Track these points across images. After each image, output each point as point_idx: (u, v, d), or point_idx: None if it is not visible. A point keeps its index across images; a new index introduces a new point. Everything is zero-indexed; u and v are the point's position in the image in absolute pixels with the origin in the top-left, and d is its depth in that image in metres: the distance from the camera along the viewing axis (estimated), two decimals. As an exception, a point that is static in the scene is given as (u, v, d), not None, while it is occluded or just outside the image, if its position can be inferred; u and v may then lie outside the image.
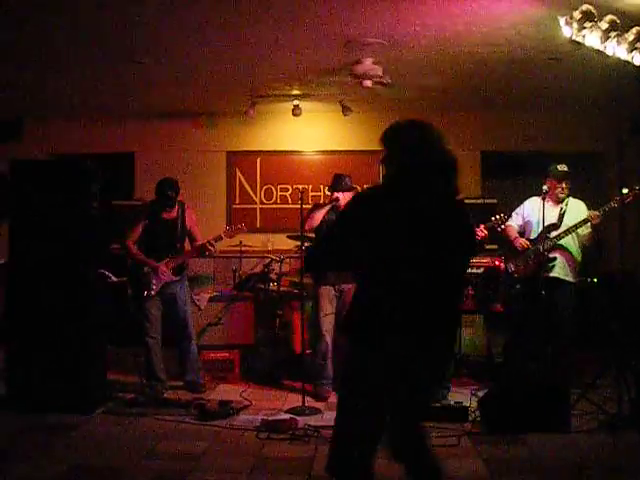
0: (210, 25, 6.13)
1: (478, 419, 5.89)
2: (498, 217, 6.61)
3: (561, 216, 6.85)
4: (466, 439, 5.52)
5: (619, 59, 5.54)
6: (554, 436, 5.52)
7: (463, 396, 6.59)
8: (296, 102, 8.91)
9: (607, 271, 7.79)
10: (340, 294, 6.84)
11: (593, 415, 5.91)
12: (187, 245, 7.12)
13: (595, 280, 7.58)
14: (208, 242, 6.86)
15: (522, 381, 6.11)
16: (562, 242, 6.78)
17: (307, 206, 7.17)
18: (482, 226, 6.56)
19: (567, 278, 6.83)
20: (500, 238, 7.17)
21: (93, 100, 8.91)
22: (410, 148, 3.34)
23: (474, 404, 6.14)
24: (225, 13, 5.84)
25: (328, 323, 6.83)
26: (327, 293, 6.86)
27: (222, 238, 7.03)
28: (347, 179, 6.95)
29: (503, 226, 6.60)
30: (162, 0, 5.53)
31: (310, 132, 9.95)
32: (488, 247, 8.56)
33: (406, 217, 3.22)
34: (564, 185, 6.87)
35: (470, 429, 5.75)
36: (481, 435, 5.61)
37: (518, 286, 7.04)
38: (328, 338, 6.83)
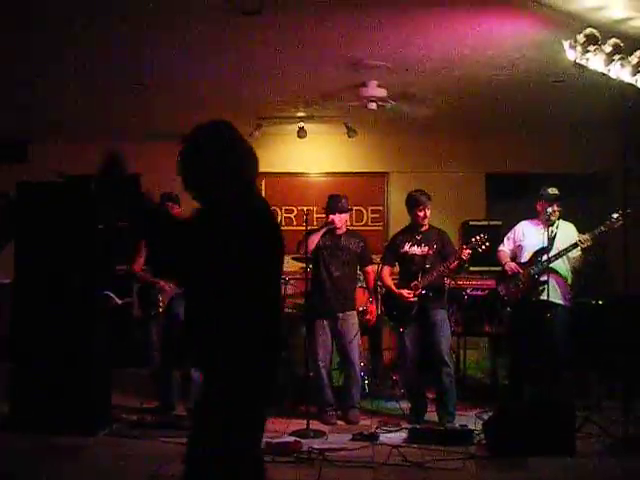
0: (215, 47, 6.17)
1: (483, 442, 5.86)
2: (479, 238, 6.54)
3: (552, 239, 6.79)
4: (471, 462, 5.48)
5: (623, 82, 5.57)
6: (559, 459, 5.48)
7: (468, 419, 6.56)
8: (301, 124, 8.94)
9: (614, 292, 7.76)
10: (335, 321, 6.83)
11: (598, 438, 5.87)
12: None
13: (600, 302, 7.53)
14: None
15: (526, 404, 6.08)
16: (552, 265, 6.71)
17: (312, 227, 7.14)
18: (464, 247, 6.52)
19: (559, 301, 6.79)
20: (485, 259, 7.12)
21: (98, 122, 8.94)
22: (229, 148, 3.13)
23: (479, 427, 6.11)
24: (230, 35, 5.89)
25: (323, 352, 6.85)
26: (319, 322, 6.85)
27: None
28: (343, 200, 6.87)
29: (484, 247, 6.54)
30: (166, 23, 5.58)
31: (315, 154, 9.96)
32: (486, 269, 8.54)
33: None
34: (555, 208, 6.82)
35: (475, 452, 5.71)
36: (486, 458, 5.58)
37: (508, 309, 7.06)
38: (322, 369, 6.82)
